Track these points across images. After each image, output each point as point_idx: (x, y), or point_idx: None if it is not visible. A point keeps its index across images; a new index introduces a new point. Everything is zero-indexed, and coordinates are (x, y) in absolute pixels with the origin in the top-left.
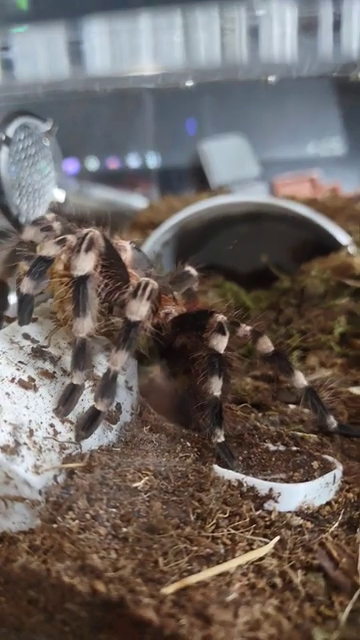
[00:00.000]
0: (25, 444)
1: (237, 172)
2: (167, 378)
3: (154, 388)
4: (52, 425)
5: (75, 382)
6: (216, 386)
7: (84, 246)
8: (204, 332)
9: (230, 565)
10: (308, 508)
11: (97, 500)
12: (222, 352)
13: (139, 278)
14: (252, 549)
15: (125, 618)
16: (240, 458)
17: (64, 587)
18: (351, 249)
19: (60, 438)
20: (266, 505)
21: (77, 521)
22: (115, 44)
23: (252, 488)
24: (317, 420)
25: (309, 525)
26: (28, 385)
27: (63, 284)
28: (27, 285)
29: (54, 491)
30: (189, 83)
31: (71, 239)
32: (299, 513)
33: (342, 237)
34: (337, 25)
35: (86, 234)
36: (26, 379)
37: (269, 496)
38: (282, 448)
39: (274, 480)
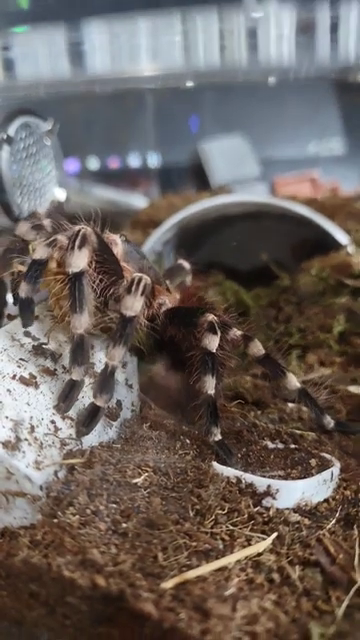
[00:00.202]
0: (26, 440)
1: (237, 171)
2: (166, 370)
3: (154, 384)
4: (53, 421)
5: (74, 378)
6: (210, 385)
7: (77, 243)
8: (196, 330)
9: (228, 560)
10: (306, 505)
11: (97, 496)
12: (214, 351)
13: (132, 272)
14: (250, 545)
15: (125, 611)
16: (239, 455)
17: (65, 581)
18: (350, 248)
19: (61, 434)
20: (264, 502)
21: (78, 516)
22: (115, 46)
23: (250, 485)
24: (314, 420)
25: (307, 521)
26: (29, 382)
27: (58, 282)
28: (25, 289)
29: (55, 486)
30: (189, 84)
31: (61, 239)
32: (297, 510)
33: (341, 236)
34: (334, 27)
35: (78, 231)
36: (27, 376)
37: (267, 493)
38: (280, 446)
39: (272, 477)
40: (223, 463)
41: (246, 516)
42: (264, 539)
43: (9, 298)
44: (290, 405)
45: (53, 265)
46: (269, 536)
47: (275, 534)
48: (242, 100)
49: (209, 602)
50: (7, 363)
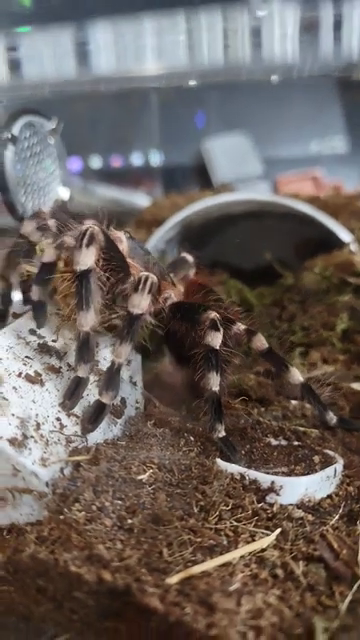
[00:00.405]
0: (32, 437)
1: (240, 170)
2: (170, 367)
3: (158, 382)
4: (58, 419)
5: (80, 375)
6: (214, 382)
7: (85, 241)
8: (198, 327)
9: (233, 556)
10: (309, 501)
11: (103, 492)
12: (217, 348)
13: (139, 268)
14: (254, 540)
15: (131, 606)
16: (243, 452)
17: (72, 576)
18: (353, 246)
19: (66, 431)
20: (268, 498)
21: (83, 512)
22: (120, 45)
23: (254, 481)
24: (317, 416)
25: (310, 517)
26: (35, 379)
27: (65, 280)
28: (37, 292)
29: (61, 483)
30: (192, 82)
31: (68, 240)
32: (300, 506)
33: (344, 235)
34: (338, 26)
35: (86, 229)
36: (33, 374)
37: (271, 489)
38: (284, 442)
39: (276, 474)
40: (227, 460)
41: (250, 512)
42: (268, 535)
43: (14, 296)
44: (293, 402)
45: (60, 264)
46: (273, 532)
47: (279, 530)
48: (245, 99)
49: (214, 597)
50: (13, 361)
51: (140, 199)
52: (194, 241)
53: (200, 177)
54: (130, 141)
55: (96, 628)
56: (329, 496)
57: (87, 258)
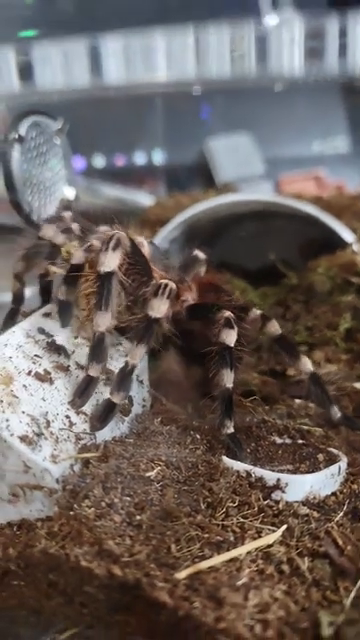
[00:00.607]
0: (42, 434)
1: (243, 170)
2: (178, 366)
3: (165, 380)
4: (67, 416)
5: (92, 374)
6: (228, 378)
7: (112, 244)
8: (213, 326)
9: (240, 552)
10: (314, 498)
11: (112, 489)
12: (232, 345)
13: (159, 272)
14: (261, 537)
15: (141, 600)
16: (248, 450)
17: (83, 571)
18: (356, 247)
19: (75, 429)
20: (274, 495)
21: (93, 509)
22: (130, 56)
23: (260, 479)
24: (320, 406)
25: (315, 514)
26: (44, 378)
27: (88, 279)
28: (64, 292)
29: (71, 480)
30: (198, 92)
31: (96, 243)
32: (306, 503)
33: (347, 235)
34: (342, 35)
35: (113, 234)
36: (42, 372)
37: (277, 486)
38: (289, 441)
39: (281, 471)
40: (233, 457)
41: (256, 509)
42: (274, 531)
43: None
44: (297, 401)
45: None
46: (279, 528)
47: (285, 526)
48: (249, 99)
49: (222, 591)
50: (22, 359)
51: (143, 198)
52: (199, 241)
53: (203, 176)
54: (133, 140)
55: (106, 622)
56: (333, 493)
57: (112, 261)
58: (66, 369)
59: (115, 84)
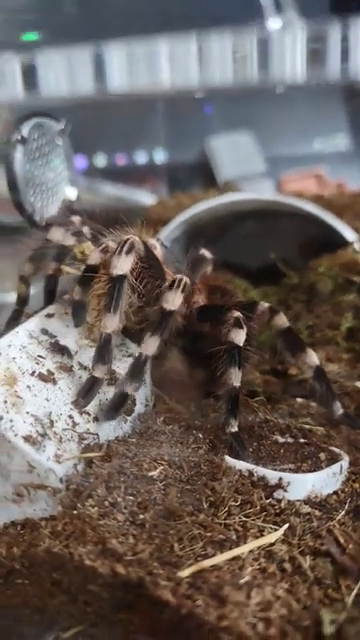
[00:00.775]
0: (46, 434)
1: (244, 168)
2: (182, 365)
3: (167, 379)
4: (71, 416)
5: (97, 375)
6: (235, 377)
7: (125, 248)
8: (222, 326)
9: (242, 550)
10: (316, 497)
11: (115, 488)
12: (241, 345)
13: (172, 275)
14: (263, 535)
15: (144, 598)
16: (250, 449)
17: (86, 570)
18: (357, 246)
19: (78, 429)
20: (276, 494)
21: (97, 508)
22: (134, 63)
23: (262, 478)
24: (323, 403)
25: (317, 513)
26: (47, 378)
27: (100, 280)
28: (78, 292)
29: (74, 479)
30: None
31: (112, 245)
32: (307, 502)
33: (349, 234)
34: (344, 40)
35: (128, 239)
36: (45, 372)
37: (279, 485)
38: (290, 440)
39: (283, 470)
40: (235, 456)
41: (258, 508)
42: (276, 530)
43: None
44: (299, 400)
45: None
46: (281, 527)
47: (287, 525)
48: (250, 99)
49: (225, 589)
50: (26, 360)
51: (144, 197)
52: (199, 240)
53: (204, 175)
54: (135, 139)
55: (110, 620)
56: (335, 492)
57: (124, 264)
58: (69, 369)
59: (119, 91)
